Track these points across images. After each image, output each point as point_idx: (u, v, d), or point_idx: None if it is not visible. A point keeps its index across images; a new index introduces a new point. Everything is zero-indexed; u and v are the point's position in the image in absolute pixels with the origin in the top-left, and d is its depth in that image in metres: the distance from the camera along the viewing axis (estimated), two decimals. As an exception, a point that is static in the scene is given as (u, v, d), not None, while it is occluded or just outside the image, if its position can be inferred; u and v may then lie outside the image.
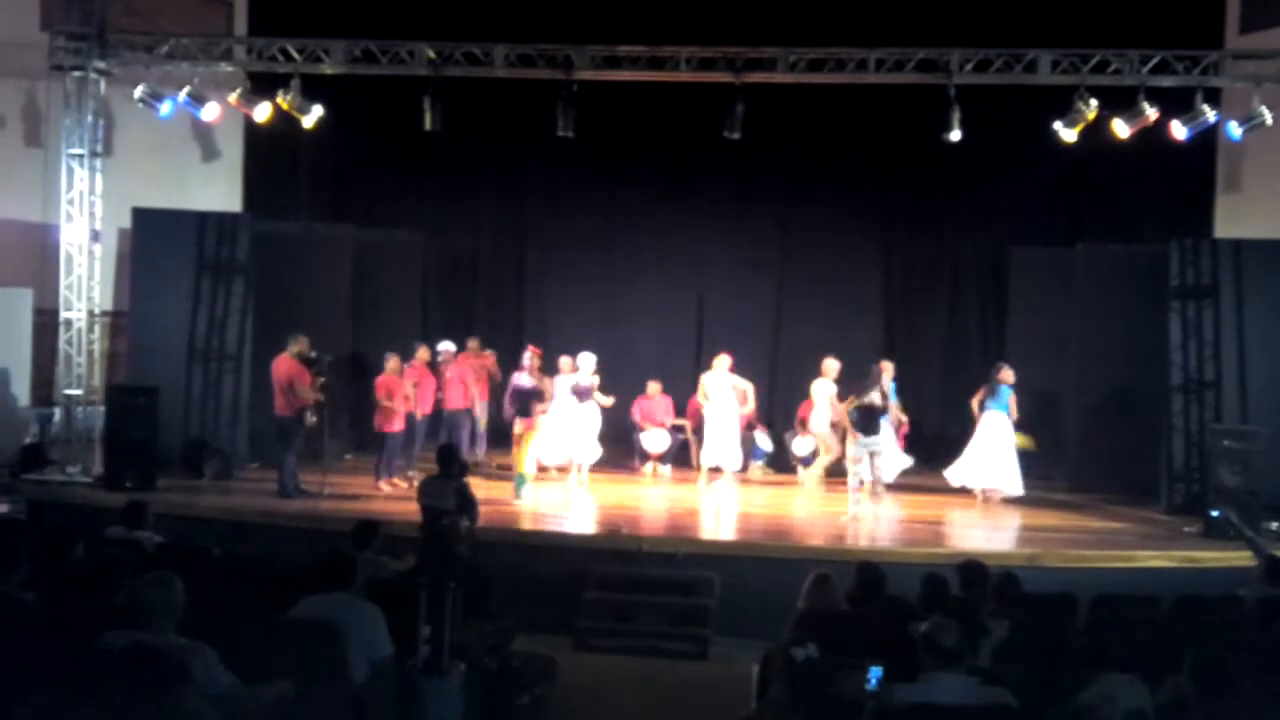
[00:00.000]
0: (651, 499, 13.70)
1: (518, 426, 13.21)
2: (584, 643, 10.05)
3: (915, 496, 13.66)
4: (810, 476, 14.37)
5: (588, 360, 14.34)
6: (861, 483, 12.44)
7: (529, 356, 13.67)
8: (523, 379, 13.51)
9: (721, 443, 14.20)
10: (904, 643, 5.60)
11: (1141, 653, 6.03)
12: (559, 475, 14.33)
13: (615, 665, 9.62)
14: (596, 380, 14.32)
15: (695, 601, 10.47)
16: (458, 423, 13.94)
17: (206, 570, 7.61)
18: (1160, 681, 5.35)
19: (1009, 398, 13.23)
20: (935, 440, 15.41)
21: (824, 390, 14.01)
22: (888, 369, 13.17)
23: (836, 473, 13.67)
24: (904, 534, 11.94)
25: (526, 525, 11.69)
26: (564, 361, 14.31)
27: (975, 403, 13.46)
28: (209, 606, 5.93)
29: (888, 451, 13.15)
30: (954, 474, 13.59)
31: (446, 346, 14.18)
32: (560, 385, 14.14)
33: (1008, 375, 13.30)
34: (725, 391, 14.24)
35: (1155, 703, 5.22)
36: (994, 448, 13.26)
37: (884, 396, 12.58)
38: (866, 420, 12.41)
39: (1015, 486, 13.26)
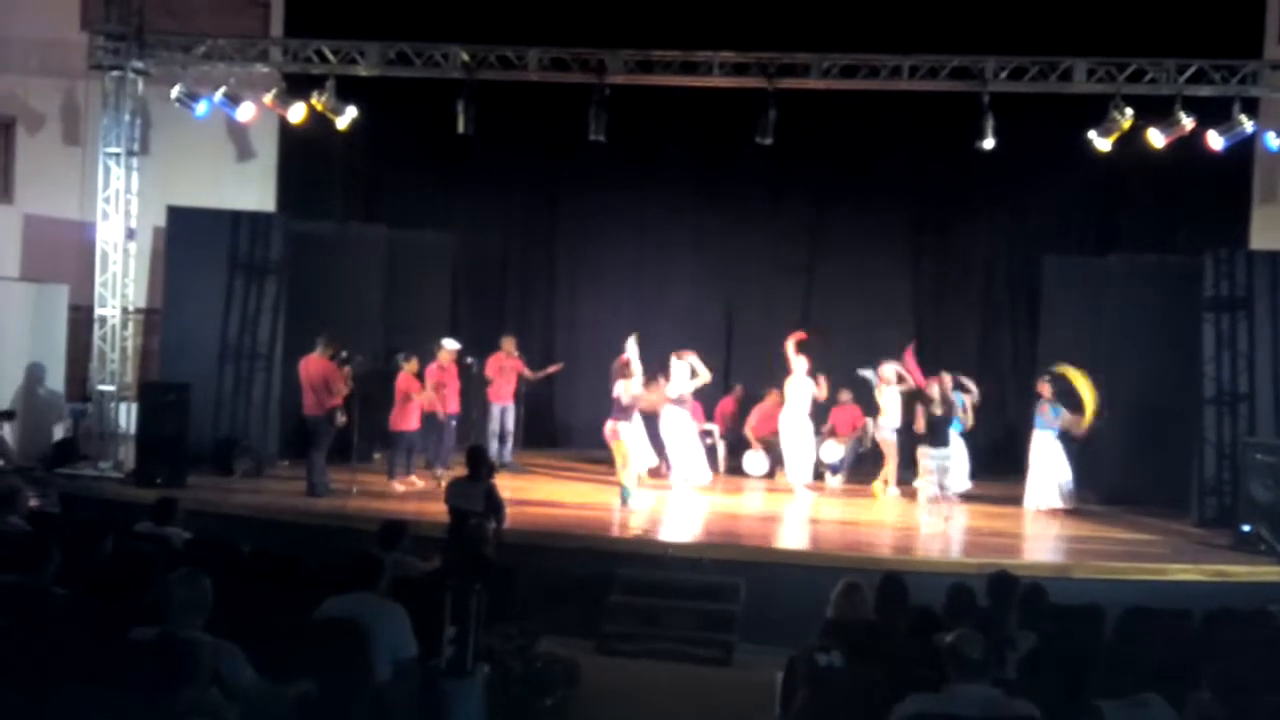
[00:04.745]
0: (678, 503, 13.67)
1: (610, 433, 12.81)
2: (608, 646, 10.04)
3: (975, 507, 13.58)
4: (837, 483, 14.36)
5: (680, 366, 14.02)
6: (930, 497, 12.40)
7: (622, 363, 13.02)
8: (618, 386, 12.88)
9: (804, 454, 14.02)
10: (929, 653, 5.57)
11: (1170, 667, 5.98)
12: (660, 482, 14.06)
13: (639, 669, 9.61)
14: (690, 387, 14.07)
15: (720, 607, 10.44)
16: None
17: (234, 567, 7.65)
18: (1186, 699, 5.29)
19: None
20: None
21: (892, 396, 13.96)
22: (944, 381, 13.12)
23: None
24: (933, 544, 11.87)
25: (553, 528, 11.68)
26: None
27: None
28: (236, 604, 5.97)
29: (956, 465, 13.09)
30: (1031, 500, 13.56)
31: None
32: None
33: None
34: (805, 395, 14.03)
35: (1182, 720, 5.17)
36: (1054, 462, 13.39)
37: (949, 406, 12.53)
38: (931, 430, 12.42)
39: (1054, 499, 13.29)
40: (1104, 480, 14.26)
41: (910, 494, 13.33)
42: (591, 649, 9.81)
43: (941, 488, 12.40)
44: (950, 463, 12.65)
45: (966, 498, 13.76)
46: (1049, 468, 13.35)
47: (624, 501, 12.55)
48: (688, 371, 14.05)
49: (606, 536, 11.61)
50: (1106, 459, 14.27)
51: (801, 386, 14.00)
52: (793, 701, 6.35)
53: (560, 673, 8.08)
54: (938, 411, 12.41)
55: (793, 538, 12.35)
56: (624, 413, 12.67)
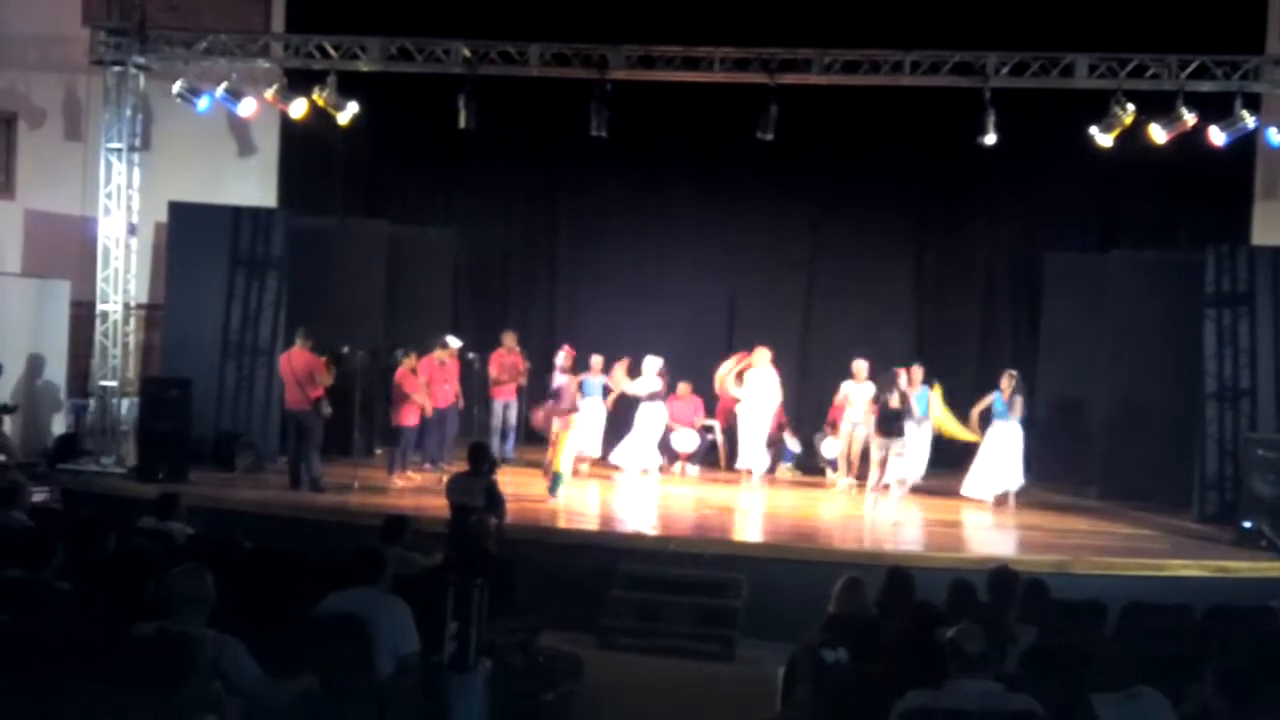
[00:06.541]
0: (679, 499, 13.69)
1: (555, 425, 13.22)
2: (609, 641, 10.07)
3: (946, 501, 13.59)
4: (842, 480, 14.37)
5: (652, 364, 14.37)
6: (884, 486, 12.46)
7: (563, 356, 13.75)
8: (559, 378, 13.63)
9: (754, 443, 14.17)
10: (930, 648, 5.58)
11: (1171, 662, 5.99)
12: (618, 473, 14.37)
13: (640, 664, 9.64)
14: (660, 384, 14.42)
15: (722, 602, 10.47)
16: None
17: (236, 563, 7.66)
18: (1186, 693, 5.30)
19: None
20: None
21: (862, 392, 13.98)
22: (913, 373, 13.17)
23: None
24: (933, 539, 11.88)
25: (554, 523, 11.71)
26: (594, 360, 14.35)
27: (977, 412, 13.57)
28: (238, 599, 5.98)
29: (909, 454, 13.12)
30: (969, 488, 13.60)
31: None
32: (590, 385, 14.21)
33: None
34: (767, 388, 14.14)
35: (1181, 714, 5.17)
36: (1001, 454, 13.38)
37: (904, 399, 12.61)
38: (885, 421, 12.47)
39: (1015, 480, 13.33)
40: (1104, 475, 14.26)
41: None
42: (593, 644, 9.85)
43: (894, 476, 12.56)
44: (900, 450, 12.72)
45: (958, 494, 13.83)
46: (999, 456, 13.33)
47: (553, 491, 12.69)
48: (656, 369, 14.35)
49: (607, 531, 11.62)
50: (1108, 454, 14.27)
51: (766, 376, 14.10)
52: (794, 697, 6.36)
53: (562, 667, 8.11)
54: (895, 404, 12.49)
55: (794, 533, 12.34)
56: (562, 402, 13.33)
